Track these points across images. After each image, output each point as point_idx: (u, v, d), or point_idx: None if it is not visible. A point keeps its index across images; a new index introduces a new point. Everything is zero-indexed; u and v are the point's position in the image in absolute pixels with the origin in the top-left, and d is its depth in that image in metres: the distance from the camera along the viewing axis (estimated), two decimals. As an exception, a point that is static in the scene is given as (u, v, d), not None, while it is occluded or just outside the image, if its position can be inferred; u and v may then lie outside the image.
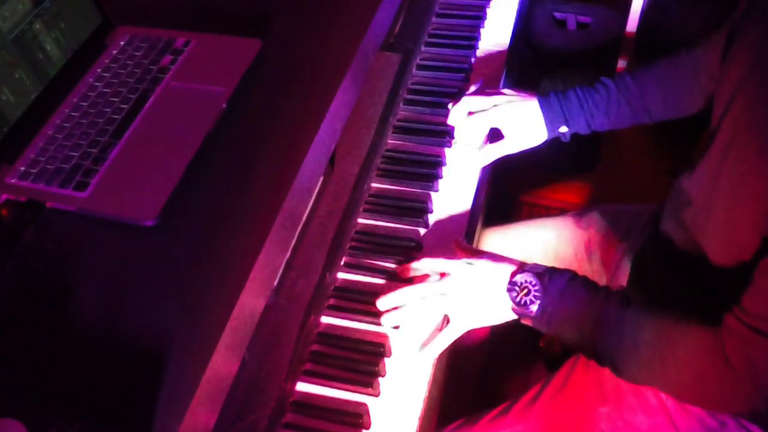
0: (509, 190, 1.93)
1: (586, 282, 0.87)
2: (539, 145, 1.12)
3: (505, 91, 1.12)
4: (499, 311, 0.89)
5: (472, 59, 1.26)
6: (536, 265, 0.89)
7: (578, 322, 0.85)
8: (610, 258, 1.16)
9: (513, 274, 0.88)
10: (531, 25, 1.81)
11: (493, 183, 1.17)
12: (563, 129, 1.09)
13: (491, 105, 1.10)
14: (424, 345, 0.89)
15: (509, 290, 0.87)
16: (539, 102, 1.09)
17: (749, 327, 0.74)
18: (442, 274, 0.91)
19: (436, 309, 0.90)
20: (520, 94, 1.11)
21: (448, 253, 0.94)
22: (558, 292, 0.85)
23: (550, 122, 1.09)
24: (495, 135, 1.12)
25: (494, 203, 1.20)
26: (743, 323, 0.75)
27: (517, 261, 0.90)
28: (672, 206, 0.97)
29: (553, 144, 1.12)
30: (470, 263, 0.90)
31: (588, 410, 0.99)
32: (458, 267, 0.90)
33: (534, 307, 0.86)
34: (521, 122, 1.09)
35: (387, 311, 0.90)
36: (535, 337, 1.40)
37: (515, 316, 0.88)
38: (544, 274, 0.87)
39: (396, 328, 0.91)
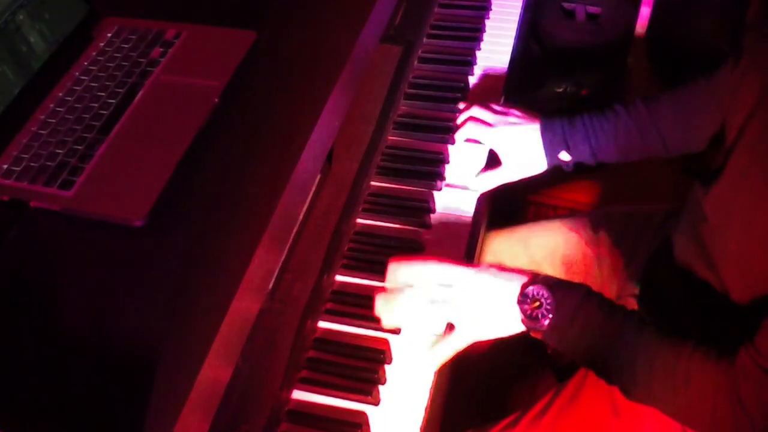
0: (515, 189, 1.93)
1: (601, 301, 0.86)
2: (541, 173, 1.11)
3: (513, 111, 1.11)
4: (509, 324, 0.88)
5: (476, 52, 1.26)
6: (548, 278, 0.87)
7: (591, 341, 0.84)
8: (621, 263, 1.16)
9: (524, 286, 0.86)
10: (538, 16, 1.81)
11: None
12: (564, 156, 1.08)
13: (492, 121, 1.10)
14: (426, 353, 0.89)
15: (520, 302, 0.86)
16: (540, 124, 1.08)
17: (764, 370, 0.74)
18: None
19: (442, 316, 0.89)
20: (526, 116, 1.10)
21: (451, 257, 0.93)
22: (571, 308, 0.84)
23: (550, 146, 1.07)
24: (493, 161, 1.11)
25: (500, 203, 1.20)
26: (758, 365, 0.75)
27: (528, 271, 0.89)
28: (688, 218, 0.96)
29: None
30: (479, 272, 0.89)
31: (600, 423, 0.99)
32: (466, 275, 0.88)
33: (546, 322, 0.85)
34: (519, 147, 1.08)
35: (387, 311, 0.89)
36: (543, 345, 1.40)
37: (524, 329, 0.88)
38: (557, 288, 0.85)
39: (396, 332, 0.91)
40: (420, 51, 1.26)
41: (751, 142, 0.82)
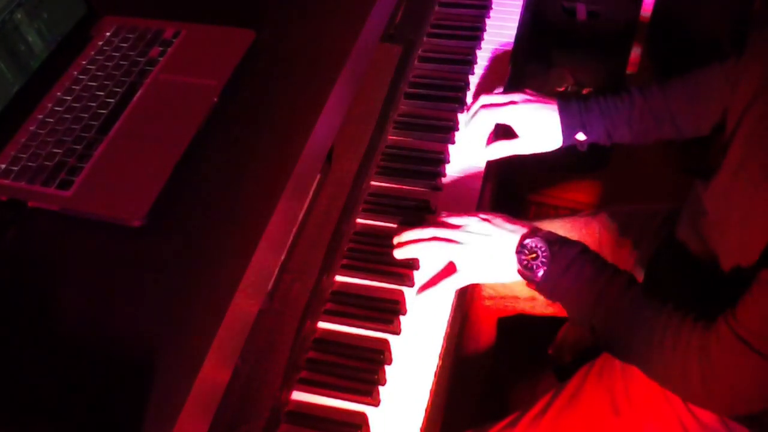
0: (516, 189, 1.94)
1: (596, 258, 0.91)
2: (552, 151, 1.12)
3: (526, 90, 1.13)
4: (506, 271, 0.93)
5: (477, 51, 1.27)
6: (549, 233, 0.92)
7: (580, 295, 0.89)
8: (622, 263, 1.16)
9: (524, 237, 0.92)
10: (539, 15, 1.81)
11: (499, 181, 1.18)
12: (580, 136, 1.10)
13: (508, 101, 1.11)
14: (426, 287, 0.94)
15: (518, 252, 0.91)
16: (558, 105, 1.10)
17: (739, 338, 0.77)
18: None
19: (447, 254, 0.94)
20: (540, 96, 1.12)
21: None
22: (565, 262, 0.89)
23: (567, 127, 1.09)
24: (507, 133, 1.12)
25: (500, 203, 1.21)
26: (734, 332, 0.78)
27: (529, 224, 0.95)
28: (689, 214, 0.98)
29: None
30: (487, 218, 0.95)
31: (600, 423, 1.00)
32: (474, 221, 0.95)
33: (540, 273, 0.90)
34: (537, 123, 1.10)
35: (402, 246, 0.96)
36: (544, 345, 1.40)
37: (520, 278, 0.92)
38: (555, 243, 0.90)
39: (396, 333, 0.91)
40: (420, 50, 1.26)
41: (748, 133, 0.84)
